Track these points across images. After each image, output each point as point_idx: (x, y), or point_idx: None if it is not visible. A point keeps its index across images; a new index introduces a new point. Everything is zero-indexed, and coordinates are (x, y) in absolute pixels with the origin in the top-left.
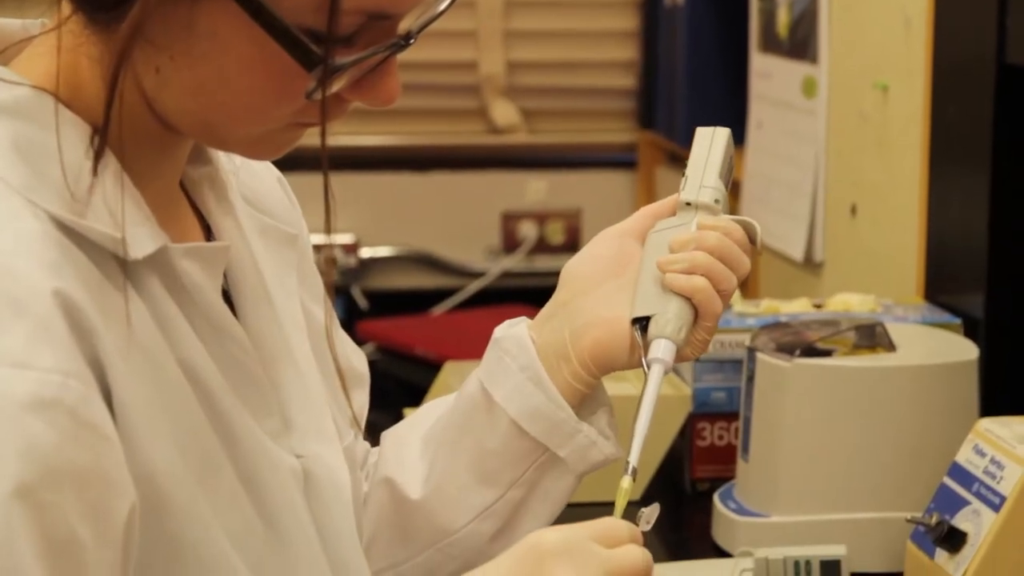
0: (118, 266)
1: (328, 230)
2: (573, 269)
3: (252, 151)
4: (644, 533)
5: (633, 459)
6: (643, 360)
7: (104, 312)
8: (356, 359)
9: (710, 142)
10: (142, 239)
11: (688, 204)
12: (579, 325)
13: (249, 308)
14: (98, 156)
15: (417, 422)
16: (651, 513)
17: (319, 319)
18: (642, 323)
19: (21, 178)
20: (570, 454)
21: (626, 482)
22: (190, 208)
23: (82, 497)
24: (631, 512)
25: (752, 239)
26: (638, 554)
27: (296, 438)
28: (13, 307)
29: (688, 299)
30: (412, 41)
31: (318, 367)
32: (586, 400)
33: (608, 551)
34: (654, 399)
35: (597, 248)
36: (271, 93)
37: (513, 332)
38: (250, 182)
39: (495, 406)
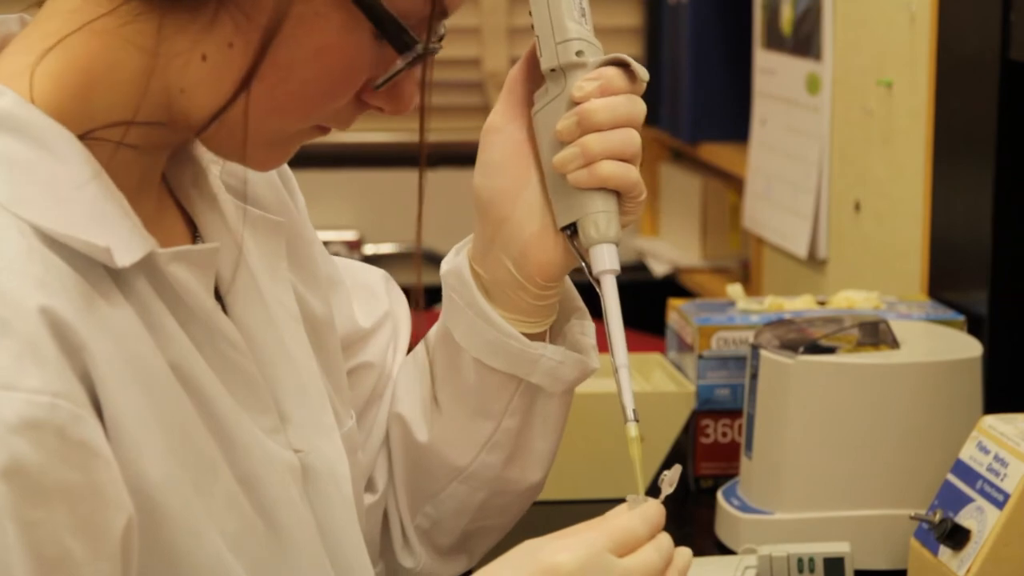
0: (106, 274)
1: (419, 227)
2: (482, 192)
3: (263, 157)
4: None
5: (628, 402)
6: (589, 275)
7: (93, 324)
8: (372, 276)
9: None
10: (128, 246)
11: (553, 71)
12: (516, 254)
13: (240, 304)
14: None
15: (425, 351)
16: (673, 475)
17: (314, 306)
18: (571, 227)
19: (3, 190)
20: (542, 379)
21: (632, 429)
22: (174, 204)
23: (74, 513)
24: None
25: (630, 72)
26: (654, 559)
27: (293, 432)
28: (1, 326)
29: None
30: (442, 42)
31: (316, 356)
32: (561, 308)
33: (626, 563)
34: (619, 314)
35: (491, 154)
36: (333, 84)
37: (454, 266)
38: (235, 170)
39: (457, 345)
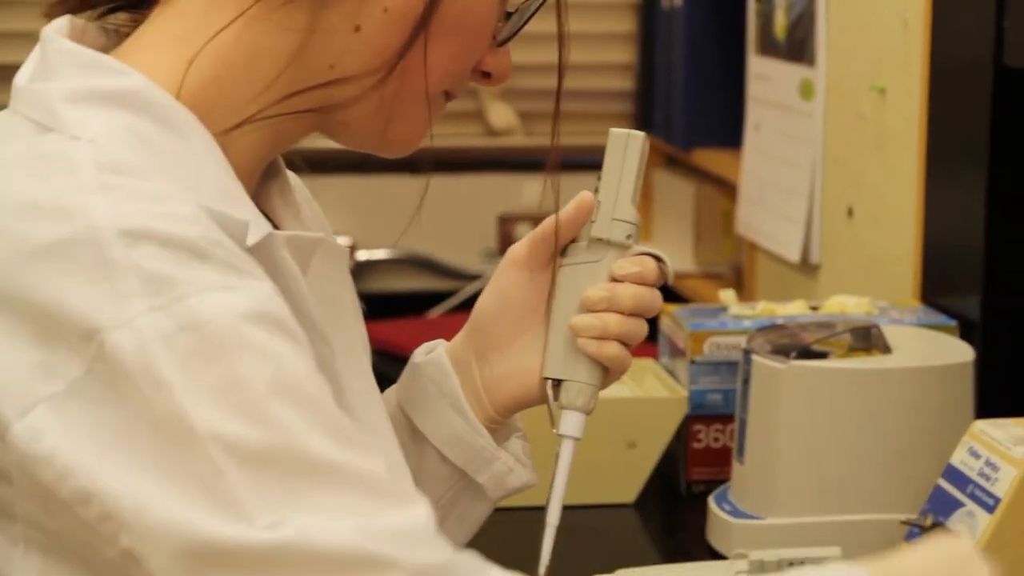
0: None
1: (557, 213)
2: (485, 315)
3: (406, 132)
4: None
5: (545, 558)
6: (553, 428)
7: None
8: None
9: (623, 155)
10: (254, 224)
11: (600, 240)
12: (493, 379)
13: (318, 305)
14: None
15: None
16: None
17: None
18: (554, 379)
19: (139, 162)
20: (488, 480)
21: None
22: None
23: (307, 361)
24: None
25: (664, 274)
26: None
27: None
28: (199, 252)
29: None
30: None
31: None
32: (500, 428)
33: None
34: (566, 476)
35: (510, 291)
36: (476, 38)
37: (434, 358)
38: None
39: (418, 433)
